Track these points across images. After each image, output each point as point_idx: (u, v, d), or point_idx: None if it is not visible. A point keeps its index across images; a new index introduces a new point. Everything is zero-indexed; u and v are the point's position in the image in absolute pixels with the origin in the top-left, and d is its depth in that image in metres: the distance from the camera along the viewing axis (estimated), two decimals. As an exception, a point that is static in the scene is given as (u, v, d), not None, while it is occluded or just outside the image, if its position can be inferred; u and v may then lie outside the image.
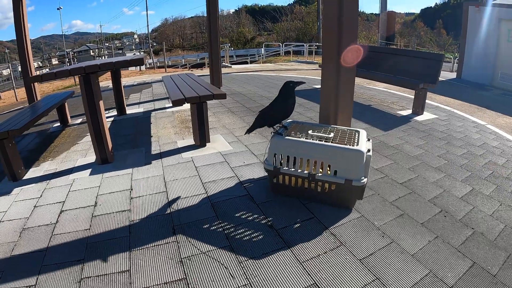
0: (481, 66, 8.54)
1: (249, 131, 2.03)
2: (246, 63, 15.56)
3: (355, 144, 1.78)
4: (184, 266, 1.48)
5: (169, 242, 1.65)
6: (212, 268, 1.47)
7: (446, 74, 9.89)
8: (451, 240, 1.66)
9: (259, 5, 47.21)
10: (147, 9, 55.35)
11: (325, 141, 1.82)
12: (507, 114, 4.53)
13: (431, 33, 31.33)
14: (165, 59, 13.25)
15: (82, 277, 1.45)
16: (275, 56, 17.49)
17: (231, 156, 2.69)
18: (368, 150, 1.77)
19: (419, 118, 3.86)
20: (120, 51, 36.28)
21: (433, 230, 1.74)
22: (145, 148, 2.96)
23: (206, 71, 8.93)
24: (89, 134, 2.61)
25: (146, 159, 2.71)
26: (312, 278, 1.40)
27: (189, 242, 1.64)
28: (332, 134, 1.89)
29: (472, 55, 8.86)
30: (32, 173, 2.60)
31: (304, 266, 1.47)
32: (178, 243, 1.64)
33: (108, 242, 1.68)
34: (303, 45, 16.28)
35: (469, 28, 8.99)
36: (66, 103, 4.01)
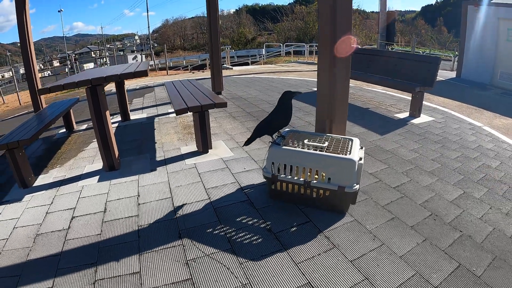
0: (481, 66, 8.57)
1: (248, 142, 2.12)
2: (247, 64, 15.63)
3: (348, 152, 1.90)
4: (190, 268, 1.61)
5: (176, 246, 1.77)
6: (215, 269, 1.59)
7: (446, 73, 9.89)
8: (438, 243, 1.74)
9: (260, 5, 47.22)
10: (147, 10, 55.26)
11: (319, 150, 1.94)
12: (505, 115, 4.54)
13: (431, 31, 31.26)
14: (166, 61, 13.37)
15: (96, 278, 1.57)
16: (276, 57, 17.55)
17: (232, 162, 2.80)
18: (360, 158, 1.88)
19: (415, 121, 3.92)
20: (121, 52, 36.43)
21: (422, 233, 1.82)
22: (149, 155, 3.07)
23: (207, 73, 9.04)
24: (95, 140, 2.72)
25: (151, 165, 2.82)
26: (306, 277, 1.52)
27: (194, 245, 1.76)
28: (326, 143, 2.00)
29: (472, 55, 8.90)
30: (41, 180, 2.70)
31: (299, 267, 1.59)
32: (184, 246, 1.76)
33: (119, 246, 1.79)
34: (304, 45, 16.32)
35: (468, 27, 9.02)
36: (71, 110, 4.13)
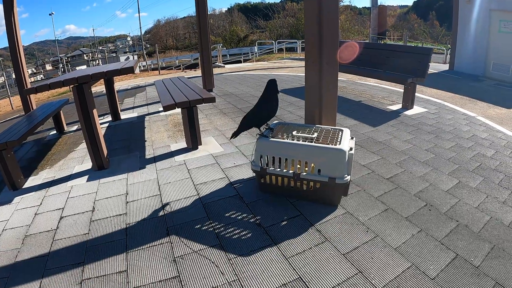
0: (473, 57, 8.59)
1: (235, 135, 2.09)
2: (239, 62, 15.58)
3: (338, 143, 1.86)
4: (177, 265, 1.57)
5: (163, 243, 1.73)
6: (203, 266, 1.55)
7: (439, 66, 9.91)
8: (434, 233, 1.70)
9: (251, 3, 47.07)
10: (139, 11, 54.72)
11: (308, 141, 1.90)
12: (498, 105, 4.54)
13: (424, 25, 31.38)
14: (159, 61, 13.27)
15: (83, 278, 1.53)
16: (268, 54, 17.49)
17: (222, 157, 2.77)
18: (351, 149, 1.85)
19: (408, 112, 3.91)
20: (114, 54, 36.07)
21: (417, 224, 1.78)
22: (139, 153, 3.03)
23: (199, 71, 8.96)
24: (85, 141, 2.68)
25: (140, 163, 2.78)
26: (297, 272, 1.48)
27: (182, 242, 1.73)
28: (315, 134, 1.97)
29: (464, 47, 8.91)
30: (31, 181, 2.66)
31: (290, 262, 1.55)
32: (171, 243, 1.72)
33: (106, 245, 1.75)
34: (296, 42, 16.27)
35: (460, 19, 9.03)
36: (61, 111, 4.07)
